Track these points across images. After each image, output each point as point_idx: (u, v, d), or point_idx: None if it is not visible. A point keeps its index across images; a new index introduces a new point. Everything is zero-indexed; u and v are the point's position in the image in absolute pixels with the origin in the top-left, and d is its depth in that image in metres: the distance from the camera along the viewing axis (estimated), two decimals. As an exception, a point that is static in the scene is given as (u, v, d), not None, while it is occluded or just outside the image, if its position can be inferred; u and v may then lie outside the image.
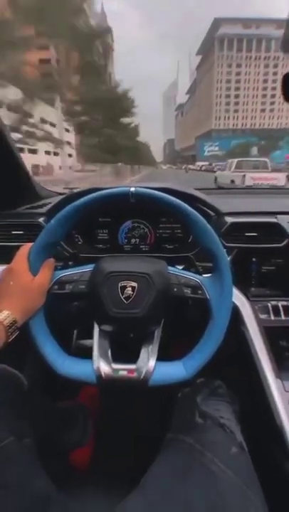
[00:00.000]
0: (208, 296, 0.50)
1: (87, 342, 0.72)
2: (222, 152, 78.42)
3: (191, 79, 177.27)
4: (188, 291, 0.51)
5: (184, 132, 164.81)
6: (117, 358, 0.48)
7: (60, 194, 1.06)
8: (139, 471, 0.45)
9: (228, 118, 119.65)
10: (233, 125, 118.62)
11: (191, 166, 47.83)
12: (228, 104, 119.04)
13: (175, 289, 0.51)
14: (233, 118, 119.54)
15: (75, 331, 0.93)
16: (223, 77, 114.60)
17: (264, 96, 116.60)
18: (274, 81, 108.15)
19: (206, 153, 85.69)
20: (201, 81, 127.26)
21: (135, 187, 0.49)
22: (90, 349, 0.49)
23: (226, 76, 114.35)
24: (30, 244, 0.50)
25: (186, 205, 0.49)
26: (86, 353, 0.49)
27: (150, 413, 0.86)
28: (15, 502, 0.40)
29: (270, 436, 0.55)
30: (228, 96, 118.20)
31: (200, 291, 0.51)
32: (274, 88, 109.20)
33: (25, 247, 0.50)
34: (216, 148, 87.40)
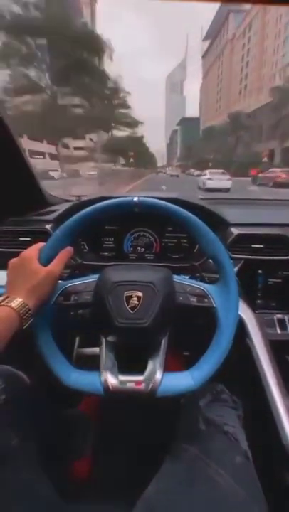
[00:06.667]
0: (214, 305, 0.49)
1: (88, 350, 0.71)
2: None
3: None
4: (194, 299, 0.50)
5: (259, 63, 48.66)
6: (124, 369, 0.47)
7: (67, 201, 1.07)
8: (141, 482, 0.44)
9: None
10: None
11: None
12: None
13: (180, 298, 0.50)
14: None
15: (77, 339, 0.92)
16: None
17: None
18: None
19: None
20: None
21: (139, 197, 0.49)
22: (92, 357, 0.49)
23: None
24: (44, 243, 0.50)
25: (190, 214, 0.49)
26: (87, 362, 0.49)
27: (152, 420, 0.84)
28: (18, 505, 0.40)
29: (275, 453, 0.54)
30: None
31: (206, 300, 0.50)
32: None
33: (40, 244, 0.50)
34: None
